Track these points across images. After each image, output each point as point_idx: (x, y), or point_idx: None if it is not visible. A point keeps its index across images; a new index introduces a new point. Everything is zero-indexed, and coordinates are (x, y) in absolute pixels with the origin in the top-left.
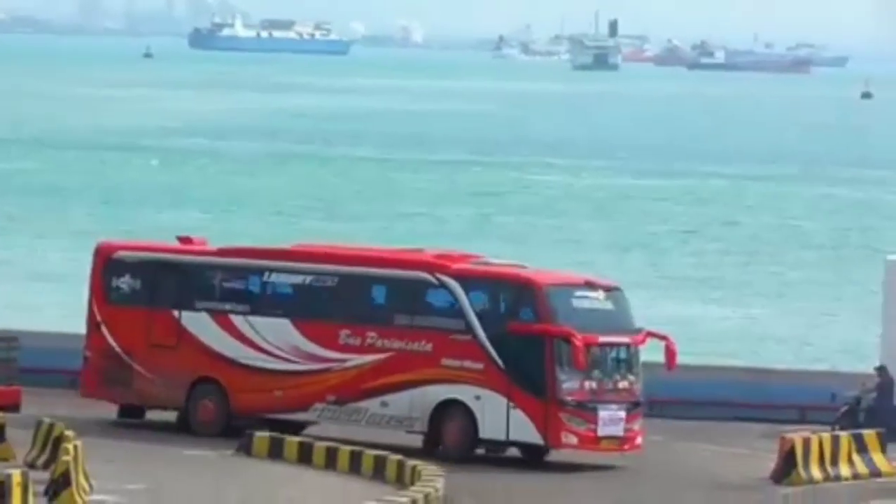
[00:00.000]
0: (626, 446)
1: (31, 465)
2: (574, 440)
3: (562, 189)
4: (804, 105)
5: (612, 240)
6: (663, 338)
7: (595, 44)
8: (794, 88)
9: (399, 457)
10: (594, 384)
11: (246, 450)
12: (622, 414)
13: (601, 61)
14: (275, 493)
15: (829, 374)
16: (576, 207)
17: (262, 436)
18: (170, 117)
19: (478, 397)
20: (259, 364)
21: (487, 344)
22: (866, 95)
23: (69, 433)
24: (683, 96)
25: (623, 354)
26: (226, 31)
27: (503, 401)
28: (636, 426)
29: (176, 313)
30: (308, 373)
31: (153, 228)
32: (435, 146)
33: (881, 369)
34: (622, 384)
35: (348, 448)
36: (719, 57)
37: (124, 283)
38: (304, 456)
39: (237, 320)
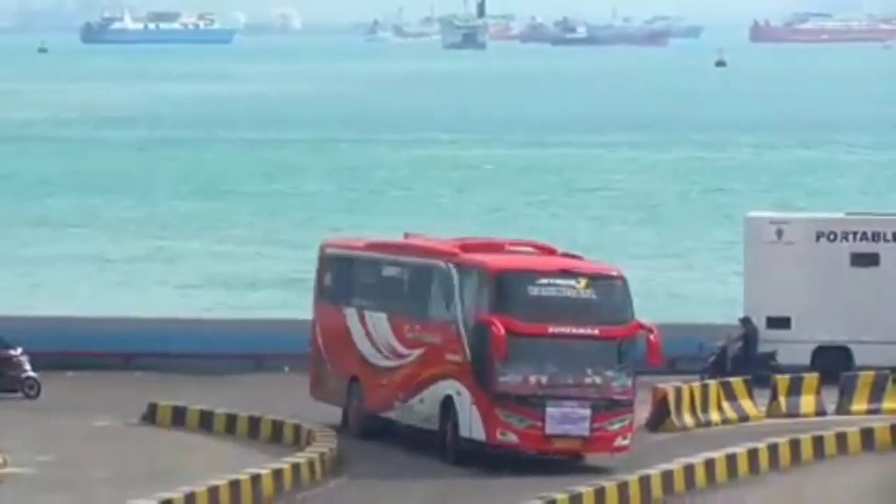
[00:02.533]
0: (595, 446)
1: None
2: (513, 438)
3: (430, 162)
4: (662, 75)
5: (479, 209)
6: (649, 330)
7: (464, 24)
8: (651, 60)
9: (294, 421)
10: (544, 378)
11: (151, 419)
12: (585, 412)
13: (470, 40)
14: (179, 460)
15: (696, 327)
16: (444, 179)
17: (164, 405)
18: (64, 108)
19: (458, 392)
20: (375, 361)
21: (463, 336)
22: (720, 63)
23: None
24: (547, 71)
25: (592, 347)
26: (115, 25)
27: (468, 395)
28: (614, 426)
29: (343, 310)
30: (394, 369)
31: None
32: (308, 125)
33: (745, 320)
34: (590, 380)
35: (246, 414)
36: (581, 32)
37: (327, 280)
38: (206, 423)
39: (366, 316)
